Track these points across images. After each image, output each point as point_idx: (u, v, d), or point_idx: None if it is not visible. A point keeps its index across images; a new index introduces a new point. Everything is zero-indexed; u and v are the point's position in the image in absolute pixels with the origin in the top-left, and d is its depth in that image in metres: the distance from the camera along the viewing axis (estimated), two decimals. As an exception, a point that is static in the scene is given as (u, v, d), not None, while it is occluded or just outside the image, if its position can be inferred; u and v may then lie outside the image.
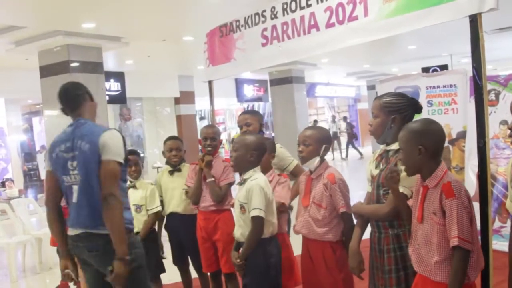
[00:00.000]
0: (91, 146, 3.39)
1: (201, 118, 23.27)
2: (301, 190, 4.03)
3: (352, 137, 25.09)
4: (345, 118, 27.69)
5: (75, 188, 3.47)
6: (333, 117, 27.16)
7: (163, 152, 5.41)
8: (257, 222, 3.74)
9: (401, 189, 3.19)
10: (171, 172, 5.30)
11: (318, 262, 3.83)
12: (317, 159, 3.85)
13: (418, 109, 3.46)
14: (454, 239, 2.68)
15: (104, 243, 3.37)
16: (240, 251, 3.85)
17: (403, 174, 3.14)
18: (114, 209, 3.30)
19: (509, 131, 3.66)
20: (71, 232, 3.53)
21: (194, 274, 5.43)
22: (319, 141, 3.88)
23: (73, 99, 3.60)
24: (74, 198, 3.48)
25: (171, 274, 5.62)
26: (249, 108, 23.04)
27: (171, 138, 5.42)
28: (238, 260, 3.84)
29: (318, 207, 3.80)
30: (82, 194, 3.44)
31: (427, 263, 2.86)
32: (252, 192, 3.74)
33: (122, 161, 3.46)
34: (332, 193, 3.76)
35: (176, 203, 5.21)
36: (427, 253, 2.87)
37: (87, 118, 3.60)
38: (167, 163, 5.41)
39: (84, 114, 3.61)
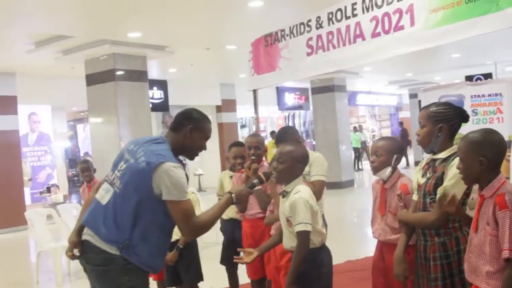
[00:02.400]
0: (146, 167, 3.17)
1: (242, 126, 23.33)
2: (376, 198, 4.06)
3: (407, 144, 24.46)
4: (401, 124, 27.00)
5: (111, 191, 3.28)
6: (355, 128, 25.92)
7: (227, 158, 5.41)
8: (303, 237, 3.63)
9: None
10: (231, 177, 5.34)
11: (390, 264, 3.84)
12: (389, 169, 3.88)
13: (465, 118, 3.46)
14: (506, 251, 2.65)
15: (104, 259, 3.19)
16: (289, 269, 3.71)
17: (452, 181, 3.18)
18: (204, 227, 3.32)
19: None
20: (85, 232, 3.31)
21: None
22: (390, 152, 3.90)
23: (176, 122, 3.47)
24: (104, 199, 3.28)
25: (213, 279, 5.68)
26: (289, 116, 23.05)
27: (235, 144, 5.36)
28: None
29: (394, 216, 3.84)
30: (113, 204, 3.24)
31: (479, 273, 2.84)
32: (296, 206, 3.63)
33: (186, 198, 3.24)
34: (406, 202, 3.78)
35: (233, 209, 5.15)
36: (480, 263, 2.84)
37: (170, 144, 3.39)
38: (231, 169, 5.40)
39: (172, 139, 3.43)
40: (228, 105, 18.57)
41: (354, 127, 25.78)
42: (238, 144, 5.37)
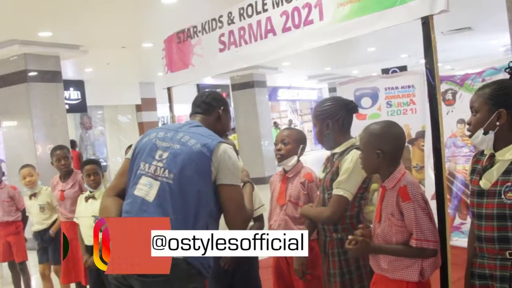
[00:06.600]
0: (204, 149, 2.85)
1: (163, 125, 23.09)
2: (274, 190, 4.06)
3: None
4: None
5: (156, 184, 2.82)
6: (276, 123, 25.87)
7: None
8: None
9: (341, 192, 3.25)
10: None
11: (293, 260, 3.84)
12: (295, 157, 3.91)
13: (351, 109, 3.50)
14: (413, 240, 2.74)
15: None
16: None
17: (344, 176, 3.23)
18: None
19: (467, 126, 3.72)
20: None
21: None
22: (297, 141, 3.94)
23: (206, 104, 3.28)
24: (151, 195, 2.81)
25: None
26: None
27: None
28: None
29: (295, 205, 3.85)
30: (170, 196, 2.77)
31: (384, 262, 2.88)
32: None
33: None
34: (310, 191, 3.82)
35: None
36: None
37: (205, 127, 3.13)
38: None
39: (205, 122, 3.20)
40: (148, 104, 18.34)
41: (275, 122, 25.95)
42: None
